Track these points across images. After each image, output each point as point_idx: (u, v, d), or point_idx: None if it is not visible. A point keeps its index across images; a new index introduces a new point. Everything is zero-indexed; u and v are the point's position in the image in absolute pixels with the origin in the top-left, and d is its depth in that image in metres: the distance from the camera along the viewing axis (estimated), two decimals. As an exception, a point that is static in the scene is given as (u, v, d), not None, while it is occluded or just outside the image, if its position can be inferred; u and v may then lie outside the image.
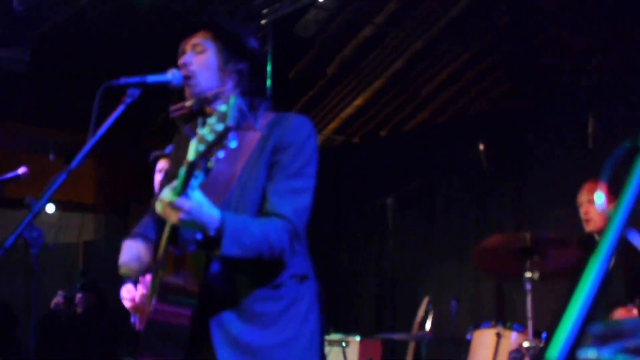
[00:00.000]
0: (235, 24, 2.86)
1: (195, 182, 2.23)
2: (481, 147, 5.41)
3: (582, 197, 5.08)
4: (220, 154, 2.16)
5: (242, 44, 2.71)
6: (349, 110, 9.27)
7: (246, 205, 2.52)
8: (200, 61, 2.67)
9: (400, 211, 7.09)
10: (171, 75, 2.66)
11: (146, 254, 2.77)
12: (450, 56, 8.06)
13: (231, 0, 7.37)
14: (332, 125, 9.61)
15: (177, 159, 2.80)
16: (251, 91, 2.68)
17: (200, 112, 2.65)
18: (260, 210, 2.52)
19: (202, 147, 2.14)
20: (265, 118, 2.65)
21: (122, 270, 2.75)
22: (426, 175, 8.19)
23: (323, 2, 7.57)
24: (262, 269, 2.53)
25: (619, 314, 4.50)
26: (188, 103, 2.67)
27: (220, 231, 2.30)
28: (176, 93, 2.72)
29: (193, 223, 2.26)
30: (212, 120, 2.14)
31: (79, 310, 8.04)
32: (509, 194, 7.76)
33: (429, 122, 9.13)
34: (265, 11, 7.57)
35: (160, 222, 2.67)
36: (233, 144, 2.13)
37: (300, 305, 2.61)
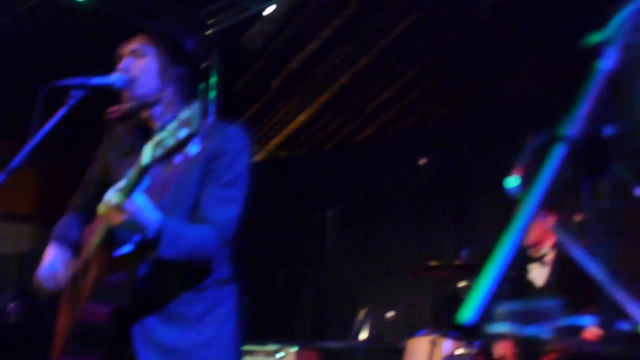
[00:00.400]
0: (174, 27, 2.84)
1: (143, 186, 2.26)
2: (422, 162, 5.44)
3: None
4: (178, 159, 2.18)
5: (181, 48, 2.71)
6: (293, 125, 9.25)
7: (180, 209, 2.55)
8: (140, 66, 2.67)
9: (341, 224, 7.09)
10: (114, 78, 2.65)
11: (65, 271, 2.79)
12: (395, 73, 8.11)
13: (176, 9, 7.28)
14: (277, 140, 9.56)
15: (106, 159, 2.84)
16: (191, 96, 2.70)
17: (136, 116, 2.71)
18: (193, 215, 2.55)
19: (159, 152, 2.15)
20: (202, 124, 2.63)
21: (36, 285, 2.79)
22: (368, 189, 8.22)
23: (270, 14, 7.56)
24: (189, 273, 2.58)
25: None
26: (125, 106, 2.67)
27: (159, 234, 2.33)
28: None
29: (135, 225, 2.29)
30: (173, 125, 2.13)
31: (12, 319, 7.80)
32: (449, 209, 7.83)
33: (373, 138, 9.16)
34: (211, 21, 7.53)
35: (86, 218, 2.76)
36: (194, 150, 2.14)
37: (222, 308, 2.66)
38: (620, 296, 0.81)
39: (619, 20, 0.92)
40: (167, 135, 2.14)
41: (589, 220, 0.86)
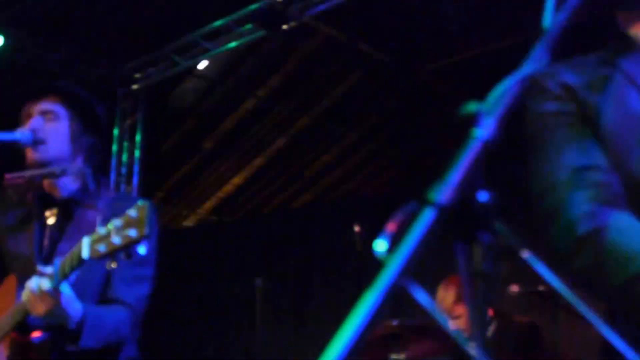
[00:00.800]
0: (86, 92, 2.73)
1: (72, 278, 2.23)
2: (356, 229, 5.22)
3: (441, 295, 4.96)
4: (123, 257, 2.13)
5: (95, 116, 2.65)
6: (227, 188, 8.83)
7: (90, 287, 2.48)
8: (52, 128, 2.56)
9: (272, 291, 6.86)
10: (20, 135, 2.52)
11: None
12: (335, 137, 7.82)
13: (100, 61, 6.83)
14: (209, 204, 9.11)
15: (9, 226, 2.68)
16: (99, 168, 2.66)
17: (38, 186, 2.59)
18: (104, 293, 2.50)
19: (103, 249, 2.10)
20: (106, 197, 2.59)
21: None
22: (301, 256, 7.97)
23: (202, 70, 7.19)
24: (101, 356, 2.50)
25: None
26: (28, 173, 2.53)
27: (80, 324, 2.30)
28: None
29: (57, 316, 2.25)
30: (118, 222, 2.09)
31: None
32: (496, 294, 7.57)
33: (312, 203, 8.87)
34: (137, 76, 7.09)
35: None
36: (142, 250, 2.11)
37: None
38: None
39: (498, 92, 0.99)
40: (112, 232, 2.09)
41: (464, 284, 0.91)
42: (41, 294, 2.21)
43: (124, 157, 7.22)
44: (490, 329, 5.01)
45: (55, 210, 2.55)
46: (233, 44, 6.50)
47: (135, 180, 7.16)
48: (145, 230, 2.05)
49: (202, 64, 7.00)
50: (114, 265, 2.18)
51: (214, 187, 8.88)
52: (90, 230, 2.37)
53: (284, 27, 6.16)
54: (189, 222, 9.45)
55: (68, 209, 2.56)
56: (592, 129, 1.52)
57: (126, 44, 6.75)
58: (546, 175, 1.52)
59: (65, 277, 2.20)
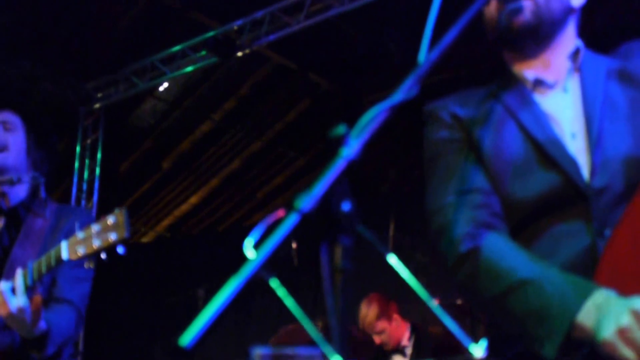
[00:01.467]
0: (42, 110, 2.92)
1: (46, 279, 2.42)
2: (294, 245, 5.45)
3: (363, 311, 5.19)
4: (102, 257, 2.28)
5: (48, 132, 2.77)
6: (184, 207, 9.07)
7: (41, 287, 2.55)
8: (12, 138, 2.65)
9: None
10: None
11: None
12: (286, 160, 8.12)
13: (62, 80, 7.12)
14: (166, 221, 9.34)
15: None
16: (47, 181, 2.74)
17: None
18: (49, 292, 2.58)
19: (82, 250, 2.26)
20: (51, 207, 2.70)
21: None
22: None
23: (161, 92, 7.49)
24: (53, 357, 2.58)
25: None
26: None
27: (46, 333, 2.40)
28: None
29: (23, 322, 2.32)
30: (97, 227, 2.24)
31: None
32: (355, 290, 7.73)
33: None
34: (99, 95, 7.40)
35: None
36: (121, 251, 2.25)
37: None
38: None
39: (367, 118, 1.12)
40: (92, 236, 2.23)
41: (324, 279, 1.00)
42: (18, 308, 2.29)
43: (85, 174, 7.44)
44: (411, 341, 5.29)
45: (1, 217, 2.62)
46: (189, 69, 6.85)
47: (95, 196, 7.39)
48: (125, 234, 2.21)
49: (163, 86, 7.32)
50: (91, 265, 2.41)
51: (171, 206, 9.10)
52: (39, 237, 2.60)
53: (237, 54, 6.54)
54: (146, 239, 9.63)
55: (17, 216, 2.62)
56: (477, 155, 1.64)
57: (89, 64, 7.02)
58: (437, 197, 1.64)
59: (40, 277, 2.32)
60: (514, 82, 1.72)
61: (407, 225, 6.71)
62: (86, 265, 2.44)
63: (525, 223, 1.58)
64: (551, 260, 1.49)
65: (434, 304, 1.20)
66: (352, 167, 1.05)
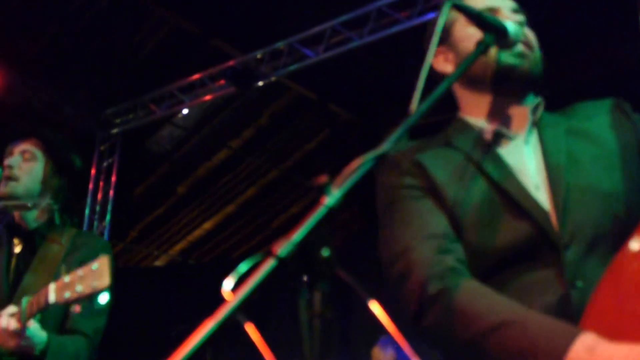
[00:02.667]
0: (65, 141, 2.95)
1: (39, 316, 2.42)
2: (304, 280, 5.43)
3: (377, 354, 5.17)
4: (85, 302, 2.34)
5: (69, 162, 2.84)
6: (198, 232, 9.06)
7: (53, 319, 2.60)
8: (26, 168, 2.74)
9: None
10: None
11: None
12: (302, 190, 8.10)
13: (83, 105, 7.16)
14: (180, 246, 9.33)
15: None
16: (68, 208, 2.82)
17: (9, 216, 2.76)
18: (63, 324, 2.64)
19: (67, 295, 2.29)
20: (69, 233, 2.75)
21: None
22: (260, 298, 8.09)
23: (179, 119, 7.52)
24: None
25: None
26: (1, 204, 2.71)
27: (44, 352, 2.44)
28: None
29: (25, 346, 2.40)
30: (81, 272, 2.29)
31: None
32: (334, 335, 7.68)
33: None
34: (117, 121, 7.42)
35: None
36: (104, 300, 2.32)
37: None
38: None
39: (349, 169, 1.14)
40: (76, 281, 2.28)
41: (303, 324, 1.02)
42: (10, 332, 2.38)
43: (99, 196, 7.48)
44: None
45: (20, 240, 2.72)
46: (207, 98, 6.87)
47: (107, 218, 7.45)
48: (106, 282, 2.27)
49: (183, 112, 7.33)
50: (77, 309, 2.38)
51: (185, 231, 9.10)
52: (53, 264, 2.64)
53: (257, 84, 6.55)
54: (159, 262, 9.64)
55: (33, 241, 2.71)
56: (439, 202, 1.61)
57: (108, 91, 7.09)
58: (396, 242, 1.59)
59: (31, 316, 2.38)
60: (471, 132, 1.73)
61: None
62: (72, 309, 2.43)
63: (492, 272, 1.54)
64: None
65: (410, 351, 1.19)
66: (333, 215, 1.06)
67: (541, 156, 1.66)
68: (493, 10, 1.73)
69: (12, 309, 2.40)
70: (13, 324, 2.37)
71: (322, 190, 1.08)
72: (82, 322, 2.64)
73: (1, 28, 6.41)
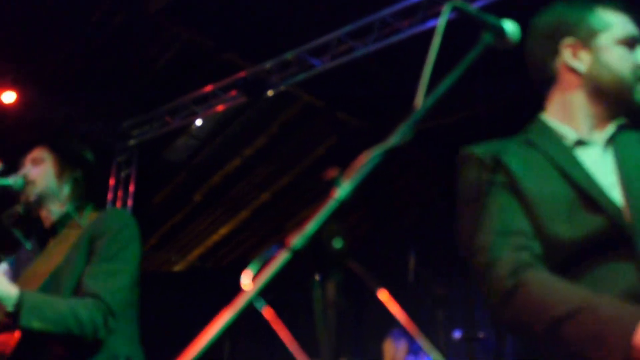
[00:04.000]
0: (71, 138, 3.05)
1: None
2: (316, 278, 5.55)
3: (393, 348, 5.25)
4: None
5: (77, 155, 2.92)
6: (215, 237, 9.27)
7: (62, 290, 2.57)
8: (38, 170, 2.85)
9: (243, 332, 6.98)
10: (12, 180, 2.80)
11: None
12: (314, 193, 8.28)
13: (99, 119, 7.40)
14: (198, 251, 9.55)
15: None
16: (84, 195, 2.88)
17: (32, 215, 2.85)
18: (76, 294, 2.56)
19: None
20: (90, 216, 2.79)
21: None
22: (275, 300, 8.18)
23: (194, 129, 7.74)
24: (75, 348, 2.51)
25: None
26: (18, 207, 2.81)
27: (18, 306, 2.36)
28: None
29: None
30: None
31: None
32: (348, 325, 7.79)
33: None
34: (134, 133, 7.67)
35: None
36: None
37: None
38: None
39: (359, 162, 1.18)
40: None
41: (318, 313, 1.06)
42: None
43: (118, 206, 7.64)
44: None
45: (32, 238, 2.82)
46: (220, 108, 7.12)
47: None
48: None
49: (197, 122, 7.57)
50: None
51: (202, 236, 9.33)
52: (66, 245, 2.67)
53: (267, 94, 6.76)
54: (178, 268, 9.85)
55: (56, 230, 2.78)
56: (518, 198, 1.69)
57: (125, 104, 7.32)
58: (476, 238, 1.66)
59: None
60: (552, 136, 1.80)
61: (428, 258, 6.79)
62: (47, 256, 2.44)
63: (568, 265, 1.62)
64: None
65: (421, 339, 1.27)
66: (344, 208, 1.09)
67: (616, 160, 1.73)
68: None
69: None
70: None
71: (333, 184, 1.12)
72: (91, 284, 2.53)
73: (19, 44, 6.60)
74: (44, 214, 2.85)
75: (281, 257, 1.03)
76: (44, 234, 2.80)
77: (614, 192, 1.66)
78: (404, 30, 6.16)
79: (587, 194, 1.64)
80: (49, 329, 2.39)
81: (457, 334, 5.26)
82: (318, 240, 1.06)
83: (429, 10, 6.02)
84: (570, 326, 1.45)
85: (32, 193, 2.80)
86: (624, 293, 1.53)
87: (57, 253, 2.67)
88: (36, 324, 2.37)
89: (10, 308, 2.36)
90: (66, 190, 2.85)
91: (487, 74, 5.63)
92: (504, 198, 1.70)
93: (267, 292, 1.01)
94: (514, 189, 1.70)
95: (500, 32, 1.61)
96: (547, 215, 1.65)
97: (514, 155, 1.76)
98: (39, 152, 2.89)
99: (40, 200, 2.82)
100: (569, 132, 1.79)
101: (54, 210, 2.84)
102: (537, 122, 1.85)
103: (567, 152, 1.75)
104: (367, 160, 1.21)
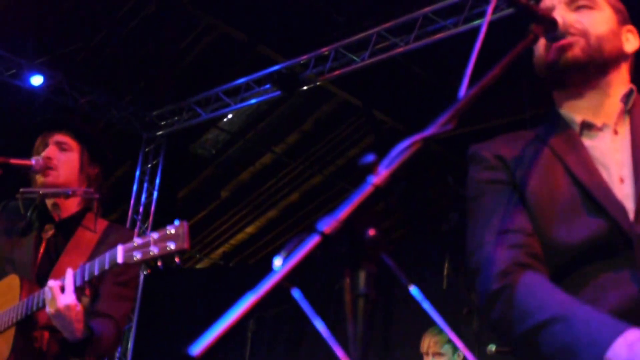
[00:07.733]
0: (97, 130, 3.02)
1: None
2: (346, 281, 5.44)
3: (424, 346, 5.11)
4: (159, 265, 2.33)
5: (103, 152, 2.91)
6: (240, 236, 9.10)
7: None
8: (64, 158, 2.79)
9: (265, 330, 6.98)
10: (34, 161, 2.75)
11: None
12: (345, 195, 8.07)
13: (127, 108, 7.26)
14: (222, 249, 9.39)
15: (8, 233, 2.85)
16: (103, 194, 2.87)
17: (42, 204, 2.82)
18: (92, 306, 2.66)
19: (139, 255, 2.31)
20: (101, 223, 2.81)
21: None
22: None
23: (224, 123, 7.57)
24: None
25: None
26: (42, 191, 2.75)
27: (87, 338, 2.45)
28: None
29: (69, 318, 2.39)
30: (156, 235, 2.31)
31: None
32: (375, 334, 7.63)
33: None
34: (162, 123, 7.50)
35: None
36: (176, 261, 2.33)
37: None
38: None
39: (398, 148, 1.14)
40: (150, 243, 2.30)
41: (347, 303, 1.02)
42: (62, 291, 2.39)
43: (143, 197, 7.59)
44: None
45: (52, 226, 2.75)
46: (252, 101, 6.91)
47: (150, 219, 7.52)
48: (184, 244, 2.28)
49: (227, 117, 7.39)
50: (147, 271, 2.50)
51: (227, 234, 9.15)
52: (87, 247, 2.71)
53: (302, 88, 6.56)
54: (201, 265, 9.70)
55: (69, 227, 2.76)
56: (520, 196, 1.65)
57: (154, 94, 7.18)
58: (476, 236, 1.65)
59: (90, 277, 2.39)
60: (561, 125, 1.73)
61: (463, 266, 6.60)
62: (141, 269, 2.50)
63: (568, 269, 1.58)
64: (597, 309, 1.46)
65: (454, 337, 1.18)
66: (379, 195, 1.04)
67: (629, 147, 1.65)
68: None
69: (53, 282, 2.41)
70: (85, 301, 2.43)
71: (369, 169, 1.06)
72: (110, 306, 2.67)
73: (50, 30, 6.54)
74: (50, 202, 2.80)
75: (312, 242, 0.97)
76: (42, 221, 2.77)
77: (624, 186, 1.58)
78: (448, 29, 5.94)
79: (590, 193, 1.58)
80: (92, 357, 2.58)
81: (491, 348, 5.10)
82: (351, 226, 1.00)
83: (473, 9, 5.79)
84: (545, 335, 1.44)
85: (53, 180, 2.74)
86: (627, 303, 1.49)
87: (80, 255, 2.68)
88: (92, 356, 2.56)
89: (78, 335, 2.44)
90: (84, 186, 2.81)
91: (534, 79, 5.37)
92: (504, 196, 1.67)
93: (295, 277, 0.97)
94: (516, 187, 1.67)
95: (553, 24, 1.59)
96: (547, 216, 1.61)
97: (519, 152, 1.72)
98: (64, 138, 2.82)
99: (57, 191, 2.75)
100: (575, 116, 1.72)
101: (66, 204, 2.80)
102: (550, 113, 1.80)
103: (574, 143, 1.68)
104: (404, 147, 1.15)
